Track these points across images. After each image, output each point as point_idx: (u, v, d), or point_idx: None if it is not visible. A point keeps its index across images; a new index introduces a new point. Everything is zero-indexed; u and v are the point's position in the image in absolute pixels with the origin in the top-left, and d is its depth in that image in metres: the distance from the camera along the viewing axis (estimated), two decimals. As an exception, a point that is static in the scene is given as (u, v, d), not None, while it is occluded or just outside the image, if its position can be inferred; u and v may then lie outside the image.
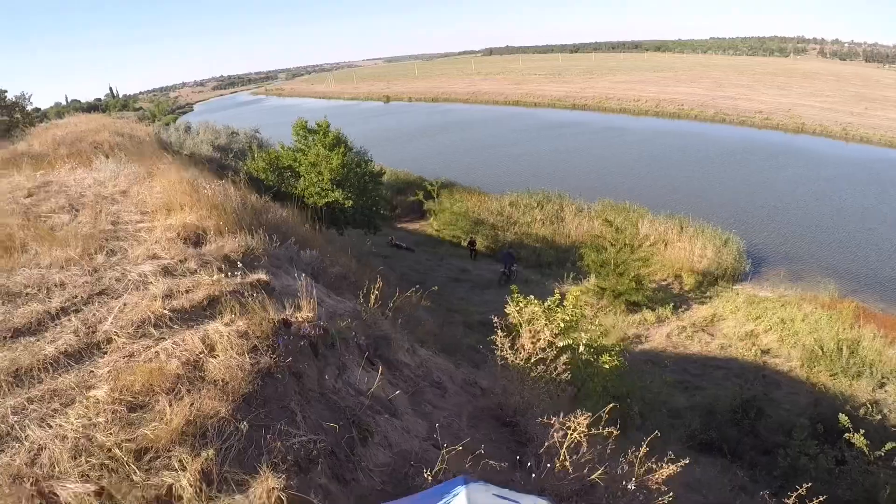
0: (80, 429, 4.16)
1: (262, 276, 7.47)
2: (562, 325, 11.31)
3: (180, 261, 7.57)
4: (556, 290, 12.64)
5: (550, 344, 9.74)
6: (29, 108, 35.56)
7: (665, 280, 32.21)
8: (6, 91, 35.21)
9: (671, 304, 28.10)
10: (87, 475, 3.79)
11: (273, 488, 3.70)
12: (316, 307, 6.69)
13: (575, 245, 35.00)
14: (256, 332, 5.65)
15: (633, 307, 28.16)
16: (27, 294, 6.33)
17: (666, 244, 35.33)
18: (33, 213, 9.91)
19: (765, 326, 25.19)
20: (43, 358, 5.06)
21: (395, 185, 49.60)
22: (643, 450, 6.35)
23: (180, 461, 3.88)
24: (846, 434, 12.14)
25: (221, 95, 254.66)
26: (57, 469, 3.83)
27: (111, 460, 3.89)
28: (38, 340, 5.41)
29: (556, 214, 41.39)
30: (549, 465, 5.79)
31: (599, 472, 5.80)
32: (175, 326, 5.80)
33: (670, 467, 6.17)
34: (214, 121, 59.73)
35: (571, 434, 5.76)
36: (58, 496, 3.67)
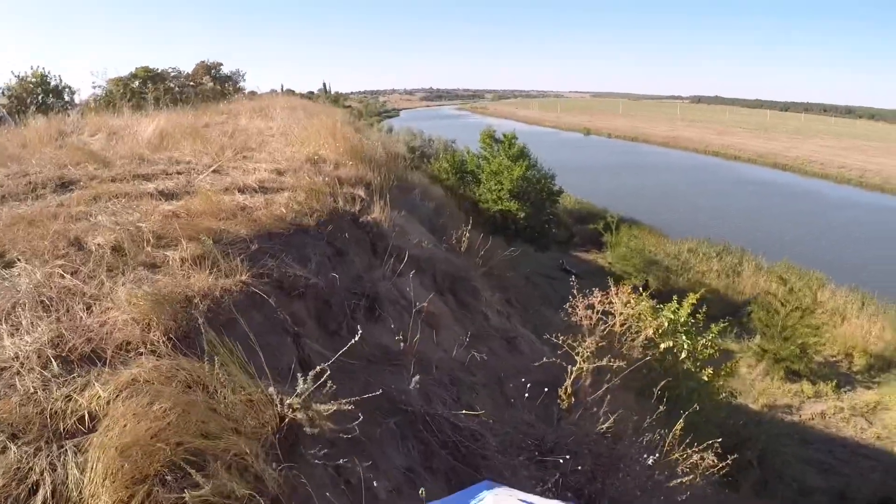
0: (134, 220, 4.96)
1: (358, 191, 8.01)
2: (666, 324, 11.21)
3: (293, 169, 8.25)
4: (675, 299, 12.57)
5: (650, 342, 9.72)
6: (241, 83, 38.42)
7: (834, 356, 29.49)
8: (222, 64, 38.33)
9: (834, 382, 25.90)
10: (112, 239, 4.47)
11: (243, 281, 4.11)
12: (389, 220, 7.24)
13: (747, 302, 33.07)
14: (314, 205, 6.24)
15: (793, 376, 26.21)
16: (160, 163, 7.40)
17: (843, 319, 32.43)
18: (200, 133, 11.00)
19: None
20: (143, 191, 6.17)
21: (577, 213, 49.77)
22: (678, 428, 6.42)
23: (185, 247, 4.41)
24: None
25: (428, 106, 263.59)
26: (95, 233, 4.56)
27: (136, 235, 4.55)
28: (147, 183, 6.37)
29: (734, 268, 39.46)
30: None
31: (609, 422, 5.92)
32: (256, 194, 6.48)
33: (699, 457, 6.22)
34: (416, 127, 61.82)
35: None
36: (85, 243, 4.40)
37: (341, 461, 3.20)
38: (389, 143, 21.31)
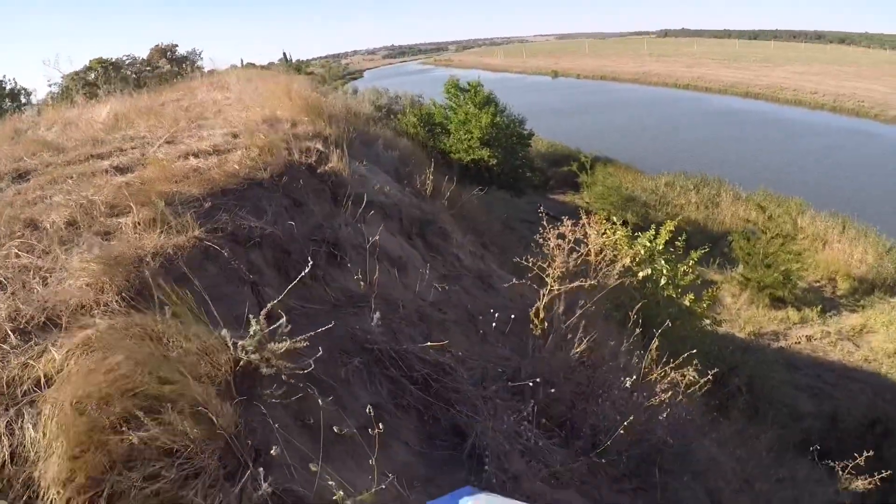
0: (88, 195, 4.93)
1: (315, 144, 7.95)
2: (643, 251, 11.28)
3: (248, 131, 8.18)
4: (653, 228, 12.66)
5: (628, 270, 9.73)
6: (199, 62, 38.10)
7: (818, 281, 29.61)
8: (177, 46, 37.98)
9: (819, 307, 25.98)
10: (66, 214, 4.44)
11: (196, 236, 4.10)
12: (348, 169, 7.23)
13: (727, 232, 33.20)
14: (268, 159, 6.21)
15: (778, 303, 26.27)
16: (114, 142, 7.38)
17: (824, 244, 32.54)
18: (155, 111, 10.90)
19: None
20: (97, 168, 6.19)
21: (550, 156, 49.58)
22: (654, 347, 6.51)
23: (137, 213, 4.40)
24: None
25: (391, 64, 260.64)
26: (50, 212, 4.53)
27: (89, 208, 4.53)
28: (102, 161, 6.38)
29: (712, 199, 39.50)
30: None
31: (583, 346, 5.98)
32: (210, 156, 6.45)
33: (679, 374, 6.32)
34: (381, 86, 61.26)
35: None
36: (40, 222, 4.37)
37: (299, 401, 3.22)
38: (354, 104, 21.20)
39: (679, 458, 6.27)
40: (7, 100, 24.47)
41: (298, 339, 3.23)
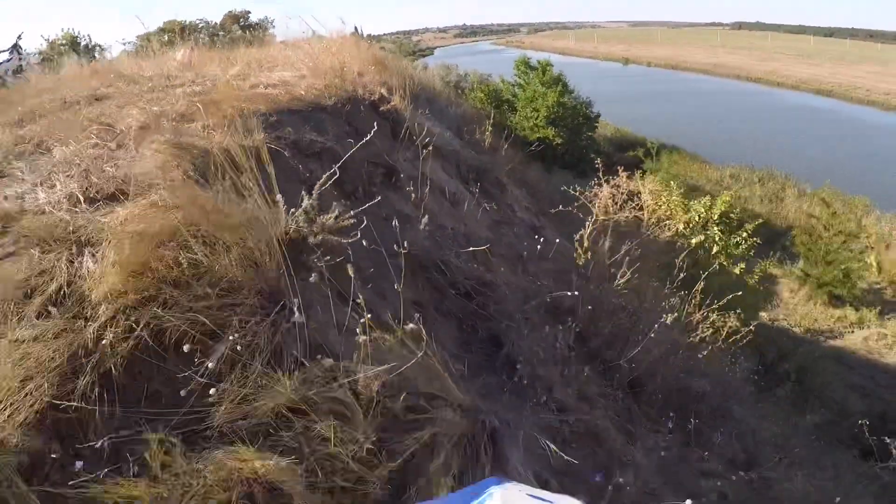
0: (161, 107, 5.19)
1: (380, 90, 8.19)
2: (697, 218, 11.34)
3: (316, 74, 8.48)
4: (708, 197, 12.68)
5: (679, 235, 9.83)
6: (271, 30, 38.74)
7: (878, 283, 29.57)
8: (250, 12, 38.62)
9: (878, 308, 25.24)
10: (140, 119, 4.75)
11: (260, 139, 4.36)
12: (409, 111, 7.47)
13: (790, 227, 32.87)
14: (331, 92, 6.47)
15: (836, 301, 25.82)
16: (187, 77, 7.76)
17: (888, 246, 32.22)
18: (228, 58, 11.30)
19: None
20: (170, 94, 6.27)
21: (617, 141, 49.28)
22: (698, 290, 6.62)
23: (206, 120, 4.68)
24: None
25: (462, 43, 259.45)
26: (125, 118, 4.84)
27: (163, 115, 4.85)
28: (175, 89, 6.70)
29: (777, 194, 38.83)
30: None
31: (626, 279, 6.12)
32: (277, 87, 6.74)
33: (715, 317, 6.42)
34: (451, 64, 61.33)
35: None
36: (115, 125, 4.69)
37: (341, 279, 3.43)
38: (423, 78, 21.43)
39: (717, 412, 6.39)
40: (82, 55, 25.23)
41: (345, 216, 3.45)
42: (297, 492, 2.37)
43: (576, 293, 5.39)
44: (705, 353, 6.28)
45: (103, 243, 2.91)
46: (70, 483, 2.20)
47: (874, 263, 27.82)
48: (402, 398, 2.86)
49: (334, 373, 2.76)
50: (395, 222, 3.85)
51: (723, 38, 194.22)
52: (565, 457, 3.58)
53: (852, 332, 23.45)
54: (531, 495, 2.47)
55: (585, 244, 6.44)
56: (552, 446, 3.67)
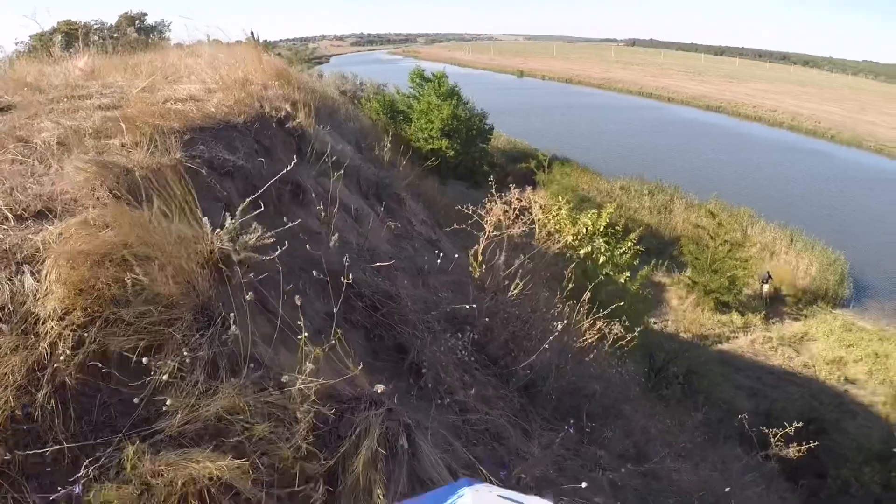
0: (75, 122, 5.29)
1: (285, 106, 8.43)
2: (584, 230, 11.95)
3: (222, 87, 8.63)
4: (596, 211, 13.35)
5: (568, 247, 10.36)
6: (167, 34, 38.01)
7: (768, 272, 31.17)
8: (146, 14, 37.86)
9: (762, 313, 27.50)
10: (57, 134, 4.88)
11: (177, 158, 4.59)
12: (313, 128, 7.77)
13: (678, 238, 34.21)
14: (240, 109, 6.70)
15: (723, 307, 27.57)
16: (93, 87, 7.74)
17: (772, 254, 34.15)
18: (130, 66, 11.24)
19: (855, 356, 24.25)
20: (80, 106, 6.34)
21: (510, 153, 50.25)
22: (585, 299, 7.10)
23: (124, 137, 4.86)
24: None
25: (359, 52, 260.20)
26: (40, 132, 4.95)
27: (78, 131, 4.97)
28: (84, 101, 6.70)
29: (666, 205, 40.60)
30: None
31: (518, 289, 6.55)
32: (188, 102, 6.90)
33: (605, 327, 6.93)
34: (348, 72, 61.21)
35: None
36: (31, 140, 4.77)
37: (262, 292, 3.75)
38: (319, 87, 21.64)
39: (608, 411, 6.88)
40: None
41: (265, 234, 3.76)
42: (247, 488, 2.67)
43: (472, 304, 5.81)
44: (591, 356, 6.78)
45: (45, 261, 3.08)
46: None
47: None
48: (329, 404, 3.18)
49: (265, 381, 3.07)
50: (306, 240, 4.17)
51: (617, 54, 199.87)
52: (469, 455, 3.97)
53: (738, 336, 24.83)
54: (501, 496, 2.66)
55: (479, 258, 6.87)
56: (456, 444, 4.07)
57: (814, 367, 23.57)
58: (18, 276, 3.10)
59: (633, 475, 6.10)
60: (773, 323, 27.46)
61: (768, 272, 29.41)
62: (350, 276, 4.35)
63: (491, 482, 3.38)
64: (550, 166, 42.06)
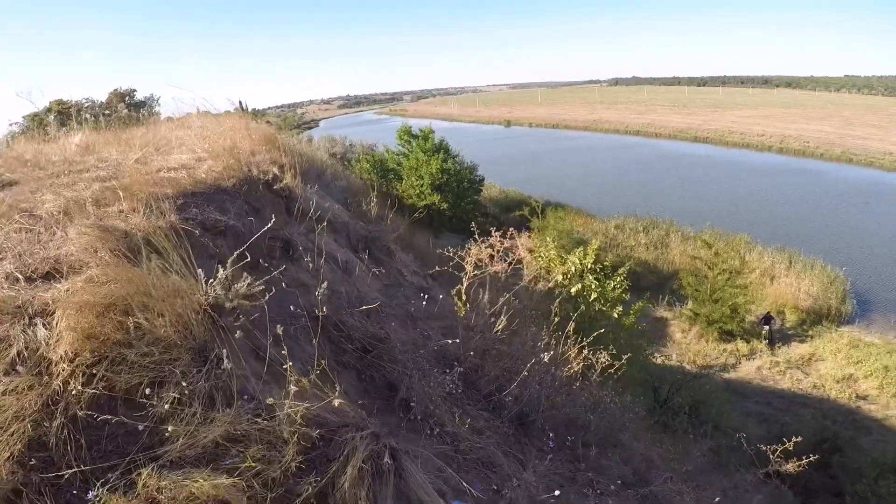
0: (75, 193, 5.65)
1: (272, 169, 8.82)
2: (573, 269, 12.25)
3: (212, 155, 9.03)
4: (581, 248, 13.69)
5: (558, 286, 10.66)
6: (157, 108, 38.76)
7: (768, 312, 30.96)
8: (136, 90, 38.67)
9: (770, 352, 27.44)
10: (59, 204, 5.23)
11: (172, 221, 4.96)
12: (300, 188, 8.15)
13: (677, 271, 34.51)
14: (229, 174, 7.09)
15: (727, 336, 27.73)
16: (90, 162, 8.10)
17: (772, 278, 34.46)
18: (123, 141, 11.67)
19: (865, 372, 24.41)
20: (79, 179, 6.73)
21: (503, 202, 50.85)
22: (570, 329, 7.39)
23: (122, 204, 5.23)
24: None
25: (347, 114, 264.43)
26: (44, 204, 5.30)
27: (79, 202, 5.33)
28: (82, 174, 7.05)
29: (661, 240, 41.18)
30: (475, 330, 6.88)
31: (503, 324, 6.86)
32: (180, 170, 7.28)
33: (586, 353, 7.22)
34: (337, 135, 62.04)
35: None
36: (36, 211, 5.12)
37: (254, 337, 4.09)
38: (309, 151, 22.14)
39: (606, 441, 7.06)
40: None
41: (255, 283, 4.10)
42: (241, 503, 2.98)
43: (457, 341, 6.11)
44: (577, 384, 7.04)
45: (55, 313, 3.43)
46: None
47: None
48: (316, 428, 3.49)
49: (258, 410, 3.39)
50: (295, 290, 4.50)
51: (600, 95, 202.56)
52: (462, 481, 4.24)
53: (745, 363, 24.90)
54: None
55: (463, 297, 7.19)
56: (448, 469, 4.34)
57: (823, 386, 23.68)
58: (31, 328, 3.47)
59: (630, 499, 6.31)
60: (780, 347, 27.54)
61: (769, 313, 29.22)
62: (339, 322, 4.67)
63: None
64: (544, 212, 42.26)
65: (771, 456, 8.26)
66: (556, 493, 4.20)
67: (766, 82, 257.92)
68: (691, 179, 66.36)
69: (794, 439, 8.00)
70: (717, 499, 7.18)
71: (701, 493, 7.46)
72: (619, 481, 6.52)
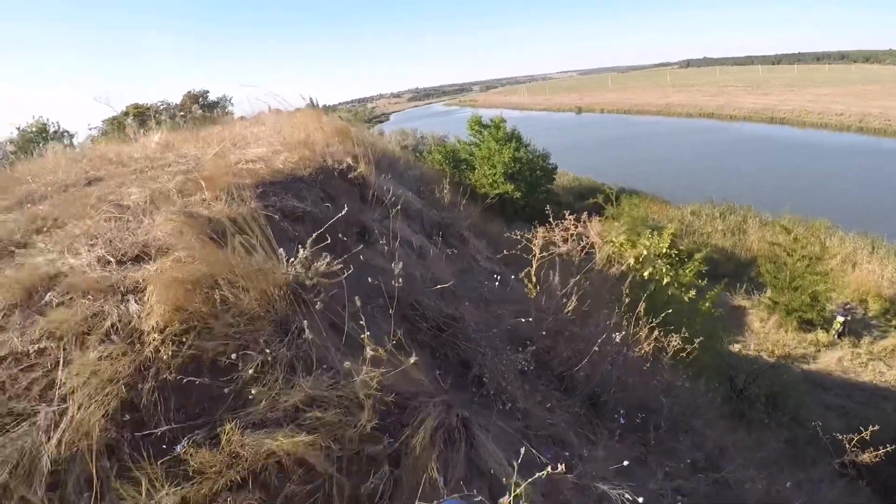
0: (160, 185, 5.94)
1: (346, 159, 9.04)
2: (645, 252, 12.22)
3: (288, 148, 9.32)
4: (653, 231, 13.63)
5: (630, 269, 10.67)
6: (230, 108, 39.64)
7: (849, 303, 30.01)
8: (209, 91, 39.63)
9: (838, 332, 26.33)
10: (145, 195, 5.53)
11: (253, 208, 5.17)
12: (374, 177, 8.35)
13: (755, 258, 33.55)
14: (305, 164, 7.32)
15: (807, 326, 26.79)
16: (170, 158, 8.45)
17: (854, 265, 32.78)
18: (201, 138, 12.09)
19: None
20: (161, 174, 6.99)
21: (576, 190, 50.34)
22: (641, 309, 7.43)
23: (204, 193, 5.48)
24: None
25: (417, 106, 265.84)
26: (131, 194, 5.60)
27: (164, 192, 5.61)
28: (163, 169, 7.40)
29: (739, 226, 39.95)
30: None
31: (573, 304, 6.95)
32: (258, 162, 7.56)
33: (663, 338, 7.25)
34: (408, 128, 62.59)
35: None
36: (123, 202, 5.41)
37: (333, 313, 4.27)
38: (381, 144, 22.44)
39: (678, 426, 7.07)
40: (51, 140, 25.75)
41: (333, 261, 4.28)
42: (319, 461, 3.16)
43: (529, 321, 6.21)
44: (647, 366, 7.07)
45: (147, 288, 3.68)
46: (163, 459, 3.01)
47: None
48: (392, 394, 3.65)
49: (336, 378, 3.57)
50: (372, 271, 4.67)
51: (672, 78, 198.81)
52: (533, 451, 4.34)
53: (825, 354, 24.16)
54: None
55: (533, 279, 7.28)
56: (518, 446, 4.43)
57: (907, 380, 22.74)
58: (124, 304, 3.73)
59: (700, 483, 6.32)
60: (863, 337, 26.56)
61: (848, 302, 27.89)
62: (415, 301, 4.82)
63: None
64: (618, 199, 41.78)
65: (847, 445, 8.09)
66: (625, 463, 4.22)
67: (842, 58, 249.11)
68: (768, 162, 64.54)
69: (871, 428, 7.76)
70: (790, 489, 7.08)
71: (773, 482, 7.39)
72: (690, 465, 6.56)
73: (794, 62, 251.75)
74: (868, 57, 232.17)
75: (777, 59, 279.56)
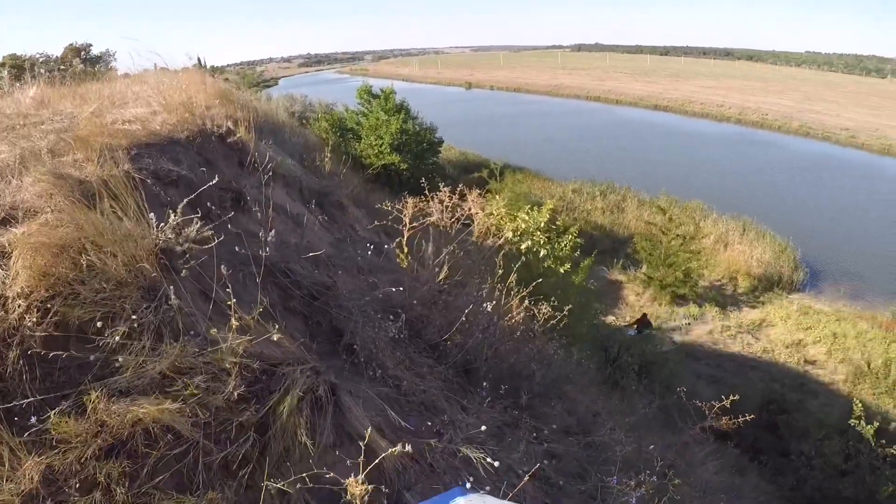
0: (31, 141, 5.79)
1: (226, 123, 8.95)
2: (523, 226, 12.57)
3: (168, 109, 9.14)
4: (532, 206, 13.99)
5: (507, 242, 10.95)
6: (113, 64, 38.09)
7: (720, 280, 32.32)
8: (91, 45, 37.99)
9: (719, 303, 28.54)
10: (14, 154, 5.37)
11: (126, 170, 5.14)
12: (254, 142, 8.31)
13: (632, 236, 35.15)
14: (183, 127, 7.25)
15: (680, 300, 28.62)
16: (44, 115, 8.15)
17: (726, 245, 35.42)
18: (78, 94, 11.65)
19: (814, 338, 25.40)
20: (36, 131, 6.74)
21: (461, 164, 51.00)
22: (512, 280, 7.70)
23: (76, 154, 5.39)
24: (853, 420, 12.94)
25: (307, 72, 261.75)
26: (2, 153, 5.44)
27: (34, 151, 5.47)
28: (36, 127, 7.11)
29: (618, 205, 41.93)
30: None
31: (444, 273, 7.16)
32: (135, 122, 7.41)
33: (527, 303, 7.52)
34: (296, 94, 61.48)
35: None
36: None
37: (203, 281, 4.34)
38: (268, 110, 22.08)
39: (550, 391, 7.39)
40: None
41: (203, 228, 4.34)
42: (186, 428, 3.26)
43: (402, 290, 6.40)
44: (518, 333, 7.37)
45: (13, 253, 3.63)
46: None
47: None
48: (258, 361, 3.76)
49: (204, 345, 3.66)
50: (245, 239, 4.74)
51: (563, 60, 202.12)
52: (401, 421, 4.54)
53: (697, 326, 25.58)
54: None
55: (405, 249, 7.48)
56: (389, 412, 4.63)
57: (773, 351, 24.70)
58: (-12, 270, 3.66)
59: (571, 446, 6.66)
60: (732, 312, 28.42)
61: (645, 315, 27.08)
62: (287, 269, 4.92)
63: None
64: (503, 174, 42.33)
65: (707, 413, 8.58)
66: (483, 427, 4.46)
67: (727, 54, 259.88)
68: (650, 147, 67.07)
69: (731, 397, 8.29)
70: (650, 446, 7.48)
71: (643, 444, 7.73)
72: (562, 430, 6.90)
73: (682, 55, 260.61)
74: (751, 56, 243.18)
75: (665, 51, 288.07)
